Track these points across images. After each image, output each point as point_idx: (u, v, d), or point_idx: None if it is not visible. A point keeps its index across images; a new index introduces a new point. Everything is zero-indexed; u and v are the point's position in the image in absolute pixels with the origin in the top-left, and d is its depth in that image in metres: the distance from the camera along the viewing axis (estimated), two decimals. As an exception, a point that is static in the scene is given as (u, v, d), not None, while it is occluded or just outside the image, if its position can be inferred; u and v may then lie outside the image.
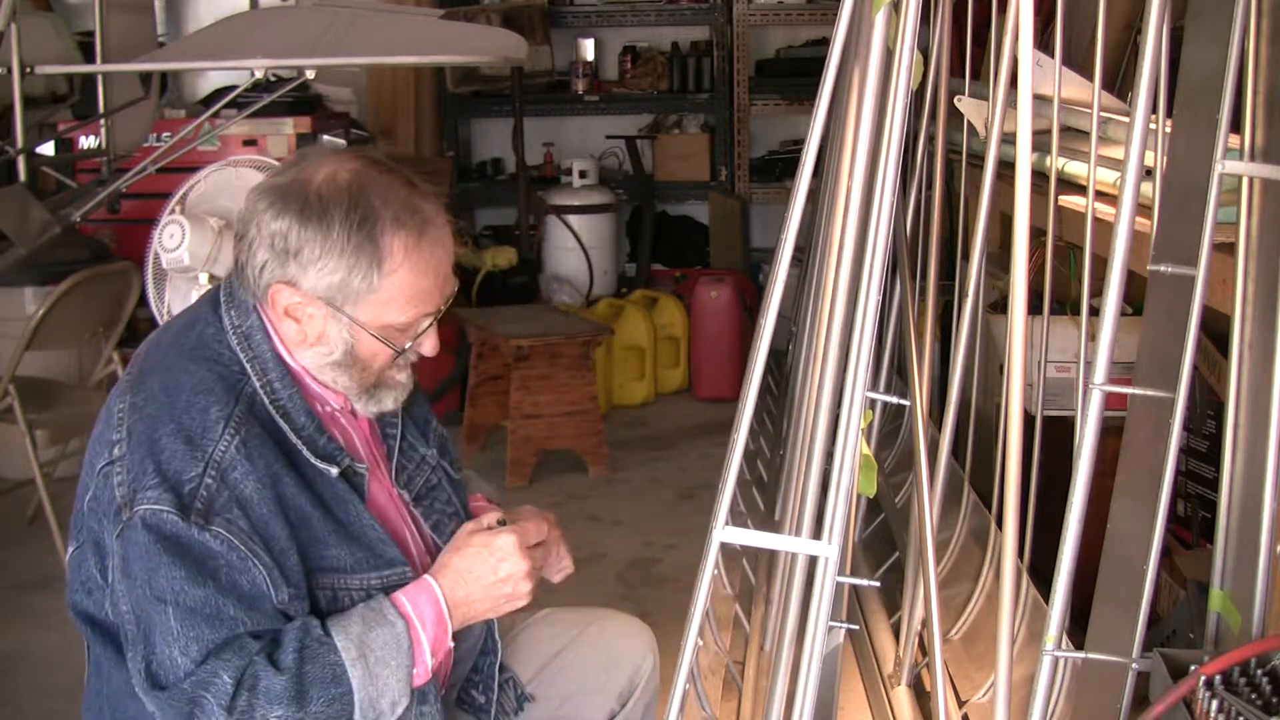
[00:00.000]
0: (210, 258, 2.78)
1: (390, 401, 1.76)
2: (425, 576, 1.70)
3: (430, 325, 1.71)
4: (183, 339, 1.69)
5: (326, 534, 1.63)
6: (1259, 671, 1.42)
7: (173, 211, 2.82)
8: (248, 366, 1.66)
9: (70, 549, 1.71)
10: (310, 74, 3.43)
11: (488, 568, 1.70)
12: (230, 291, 1.71)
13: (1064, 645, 1.68)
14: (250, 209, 1.66)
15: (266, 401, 1.65)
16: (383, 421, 1.81)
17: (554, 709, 1.95)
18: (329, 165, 1.65)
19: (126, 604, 1.57)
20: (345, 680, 1.57)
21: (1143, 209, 1.76)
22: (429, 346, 1.73)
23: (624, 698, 1.98)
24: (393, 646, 1.61)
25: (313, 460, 1.65)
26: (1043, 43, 3.11)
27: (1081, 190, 2.46)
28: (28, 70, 3.55)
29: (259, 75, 3.40)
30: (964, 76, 3.49)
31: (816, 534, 1.87)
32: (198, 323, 1.71)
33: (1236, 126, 1.67)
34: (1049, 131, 2.46)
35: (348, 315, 1.65)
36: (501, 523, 1.77)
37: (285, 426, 1.65)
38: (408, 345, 1.71)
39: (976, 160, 3.03)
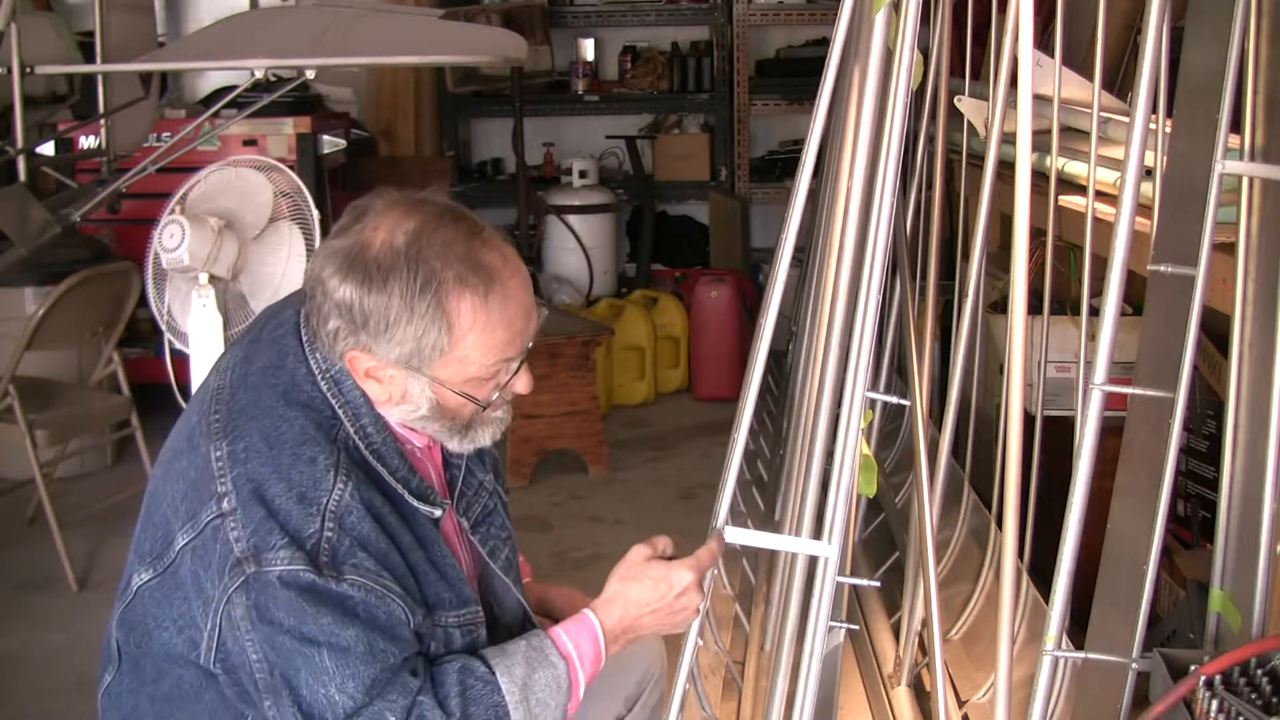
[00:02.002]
0: (210, 258, 2.78)
1: (488, 438, 1.73)
2: (586, 612, 1.70)
3: (519, 367, 1.67)
4: (273, 378, 1.64)
5: (421, 572, 1.63)
6: (1259, 671, 1.42)
7: (173, 211, 2.82)
8: (339, 411, 1.63)
9: (146, 575, 1.65)
10: (310, 74, 3.42)
11: (664, 600, 1.71)
12: (313, 331, 1.65)
13: (1064, 645, 1.68)
14: (315, 271, 1.61)
15: (361, 446, 1.62)
16: (448, 450, 1.77)
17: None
18: (387, 224, 1.59)
19: (258, 652, 1.55)
20: None
21: (1143, 209, 1.76)
22: (523, 385, 1.69)
23: (630, 702, 1.98)
24: (553, 688, 1.63)
25: (412, 501, 1.64)
26: (1043, 43, 3.11)
27: (1081, 190, 2.46)
28: (28, 70, 3.54)
29: (259, 75, 3.39)
30: (964, 76, 3.49)
31: (816, 534, 1.88)
32: (286, 359, 1.66)
33: (1236, 126, 1.67)
34: (1049, 131, 2.46)
35: (427, 375, 1.62)
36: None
37: (382, 470, 1.63)
38: (495, 396, 1.67)
39: (976, 160, 3.03)
